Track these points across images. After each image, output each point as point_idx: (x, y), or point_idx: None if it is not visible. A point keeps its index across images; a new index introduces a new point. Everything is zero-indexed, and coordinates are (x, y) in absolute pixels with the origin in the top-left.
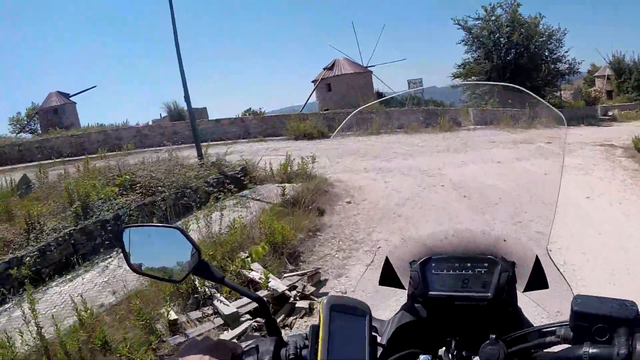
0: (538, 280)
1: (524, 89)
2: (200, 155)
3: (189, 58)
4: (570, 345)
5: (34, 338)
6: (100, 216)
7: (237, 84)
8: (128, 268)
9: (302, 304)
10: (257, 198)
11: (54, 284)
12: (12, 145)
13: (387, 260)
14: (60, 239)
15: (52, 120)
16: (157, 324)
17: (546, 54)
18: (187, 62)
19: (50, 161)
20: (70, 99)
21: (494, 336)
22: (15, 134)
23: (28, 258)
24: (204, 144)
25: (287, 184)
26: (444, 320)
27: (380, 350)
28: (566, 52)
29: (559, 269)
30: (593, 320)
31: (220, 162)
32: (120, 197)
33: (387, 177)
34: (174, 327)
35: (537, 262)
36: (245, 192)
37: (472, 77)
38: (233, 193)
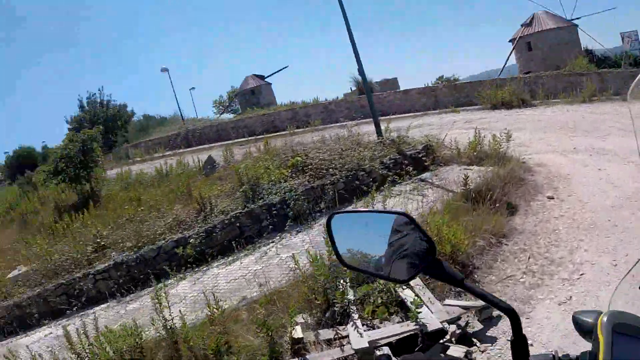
0: None
1: None
2: (378, 133)
3: (376, 27)
4: None
5: (162, 328)
6: (267, 200)
7: (429, 51)
8: (284, 257)
9: (456, 350)
10: (437, 184)
11: (215, 264)
12: (211, 126)
13: None
14: (226, 221)
15: (250, 101)
16: (282, 337)
17: None
18: (373, 32)
19: (242, 139)
20: (266, 80)
21: None
22: (218, 115)
23: (192, 239)
24: (390, 117)
25: (475, 167)
26: None
27: None
28: None
29: None
30: None
31: (401, 140)
32: (290, 179)
33: (602, 162)
34: (298, 344)
35: None
36: (425, 174)
37: None
38: (411, 176)
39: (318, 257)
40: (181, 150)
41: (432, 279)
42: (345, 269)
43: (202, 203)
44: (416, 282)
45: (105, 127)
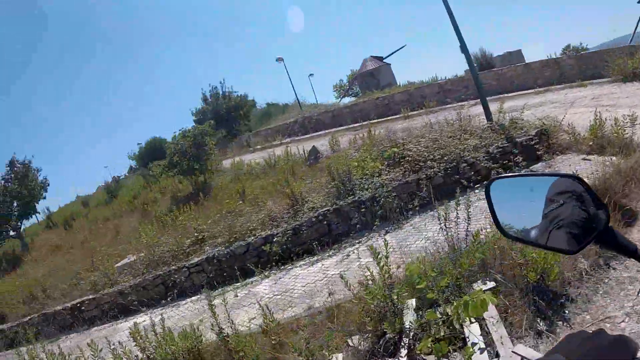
0: None
1: None
2: (488, 116)
3: None
4: None
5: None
6: (357, 196)
7: (556, 19)
8: (364, 262)
9: None
10: None
11: (299, 263)
12: (326, 112)
13: None
14: (314, 219)
15: (369, 83)
16: None
17: None
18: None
19: (357, 125)
20: (384, 60)
21: None
22: (338, 100)
23: (278, 237)
24: (507, 95)
25: (594, 157)
26: None
27: None
28: None
29: None
30: None
31: (513, 124)
32: (385, 172)
33: None
34: None
35: None
36: (536, 166)
37: None
38: (521, 168)
39: (370, 276)
40: (298, 137)
41: (603, 249)
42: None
43: (294, 198)
44: (490, 313)
45: (227, 117)
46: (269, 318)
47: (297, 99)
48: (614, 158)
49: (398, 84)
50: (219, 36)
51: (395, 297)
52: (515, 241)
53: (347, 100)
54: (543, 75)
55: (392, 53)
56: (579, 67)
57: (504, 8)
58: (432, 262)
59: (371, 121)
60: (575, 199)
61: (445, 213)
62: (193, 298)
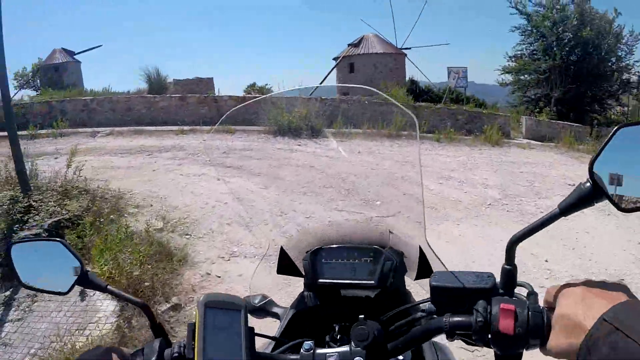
0: (424, 269)
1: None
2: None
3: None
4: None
5: None
6: None
7: (248, 60)
8: None
9: None
10: None
11: None
12: None
13: (282, 250)
14: None
15: (52, 78)
16: None
17: (613, 60)
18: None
19: None
20: (75, 57)
21: (362, 316)
22: (16, 90)
23: None
24: (146, 127)
25: None
26: (334, 307)
27: (271, 343)
28: (637, 61)
29: (438, 257)
30: (450, 293)
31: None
32: None
33: None
34: None
35: (421, 252)
36: None
37: (525, 75)
38: None
39: None
40: None
41: (87, 288)
42: None
43: None
44: None
45: None
46: None
47: None
48: None
49: (85, 88)
50: None
51: None
52: (34, 290)
53: (24, 94)
54: (199, 112)
55: (87, 50)
56: (241, 110)
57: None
58: None
59: None
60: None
61: None
62: None
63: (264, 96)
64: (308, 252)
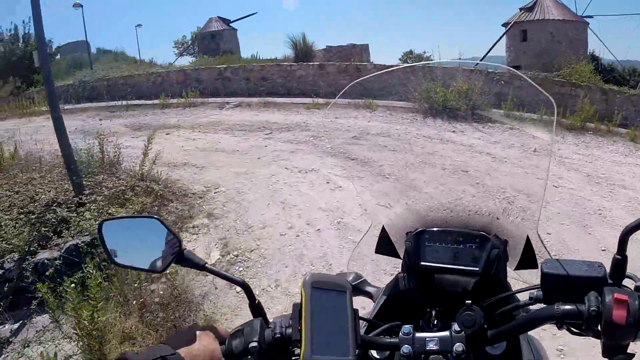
0: (528, 260)
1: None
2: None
3: None
4: (543, 305)
5: None
6: None
7: (406, 25)
8: None
9: None
10: None
11: None
12: (101, 80)
13: (383, 229)
14: None
15: (209, 46)
16: None
17: None
18: None
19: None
20: (231, 25)
21: (470, 302)
22: (176, 58)
23: None
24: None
25: None
26: (431, 292)
27: (365, 324)
28: None
29: (547, 249)
30: (561, 281)
31: None
32: None
33: None
34: None
35: (528, 242)
36: None
37: None
38: None
39: None
40: (70, 107)
41: (184, 267)
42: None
43: None
44: None
45: (17, 65)
46: None
47: (90, 54)
48: None
49: (241, 55)
50: None
51: None
52: (126, 268)
53: (185, 60)
54: (340, 82)
55: (241, 18)
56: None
57: None
58: None
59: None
60: (168, 230)
61: None
62: None
63: (402, 66)
64: (409, 233)
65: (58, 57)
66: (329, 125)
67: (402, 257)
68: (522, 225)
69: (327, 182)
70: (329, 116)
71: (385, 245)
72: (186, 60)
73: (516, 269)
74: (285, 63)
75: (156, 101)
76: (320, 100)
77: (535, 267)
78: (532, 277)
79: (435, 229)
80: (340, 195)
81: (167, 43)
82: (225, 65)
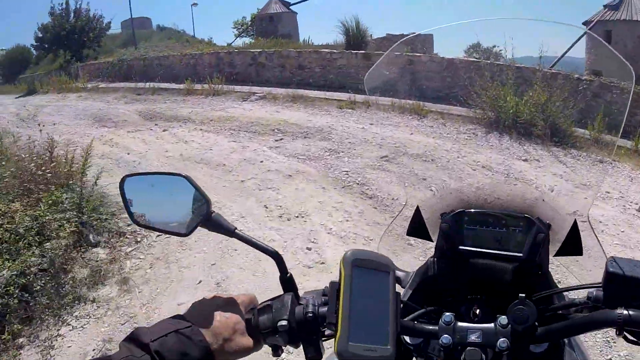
0: (573, 246)
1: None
2: None
3: None
4: (603, 308)
5: None
6: None
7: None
8: None
9: None
10: None
11: None
12: (138, 59)
13: (417, 210)
14: None
15: (266, 28)
16: None
17: None
18: None
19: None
20: (291, 8)
21: (523, 295)
22: (235, 38)
23: None
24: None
25: None
26: (469, 278)
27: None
28: None
29: (597, 236)
30: (628, 284)
31: None
32: None
33: None
34: None
35: (575, 226)
36: None
37: None
38: None
39: None
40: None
41: (211, 231)
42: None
43: None
44: None
45: (68, 40)
46: None
47: (134, 31)
48: None
49: (301, 38)
50: None
51: None
52: (148, 229)
53: (240, 42)
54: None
55: (301, 1)
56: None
57: None
58: None
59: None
60: (196, 189)
61: None
62: None
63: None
64: (444, 214)
65: (119, 31)
66: (364, 131)
67: (434, 240)
68: (570, 208)
69: (308, 250)
70: (362, 119)
71: (418, 228)
72: (244, 42)
73: (557, 254)
74: (325, 50)
75: (181, 86)
76: (359, 97)
77: (580, 254)
78: (571, 264)
79: (475, 210)
80: (316, 286)
81: (226, 23)
82: (260, 50)
